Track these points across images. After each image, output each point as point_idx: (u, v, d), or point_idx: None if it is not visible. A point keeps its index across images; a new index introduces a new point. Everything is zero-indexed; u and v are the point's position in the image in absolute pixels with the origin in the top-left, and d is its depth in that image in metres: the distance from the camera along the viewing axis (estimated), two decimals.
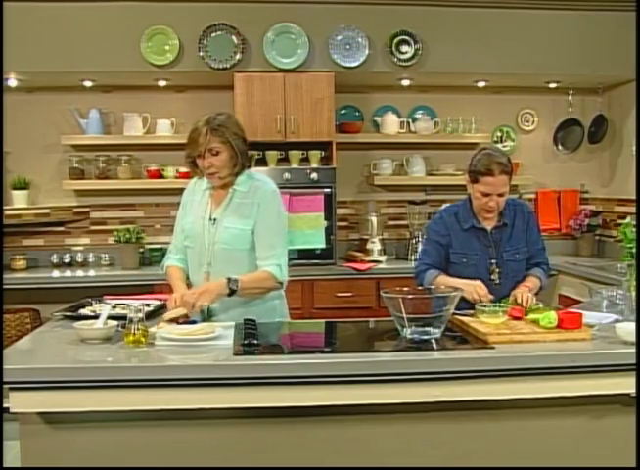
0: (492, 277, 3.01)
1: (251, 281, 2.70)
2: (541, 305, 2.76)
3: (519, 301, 2.78)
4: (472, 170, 3.00)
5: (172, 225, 2.98)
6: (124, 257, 4.64)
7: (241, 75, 4.48)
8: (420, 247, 4.73)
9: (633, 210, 4.64)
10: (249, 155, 2.82)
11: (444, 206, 3.36)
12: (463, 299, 2.61)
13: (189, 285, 2.85)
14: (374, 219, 4.88)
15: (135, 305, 2.32)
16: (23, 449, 2.17)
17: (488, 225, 3.05)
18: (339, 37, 4.51)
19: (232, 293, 2.64)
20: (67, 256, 4.79)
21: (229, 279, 2.63)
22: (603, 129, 5.11)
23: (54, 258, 4.76)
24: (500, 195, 2.95)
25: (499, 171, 2.91)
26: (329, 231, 4.55)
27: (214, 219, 2.77)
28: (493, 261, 3.02)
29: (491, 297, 2.81)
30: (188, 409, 2.13)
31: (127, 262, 4.62)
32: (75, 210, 4.89)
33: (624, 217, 3.59)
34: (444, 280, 2.94)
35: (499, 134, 5.21)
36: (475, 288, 2.82)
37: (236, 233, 2.75)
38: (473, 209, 3.07)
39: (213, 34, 4.41)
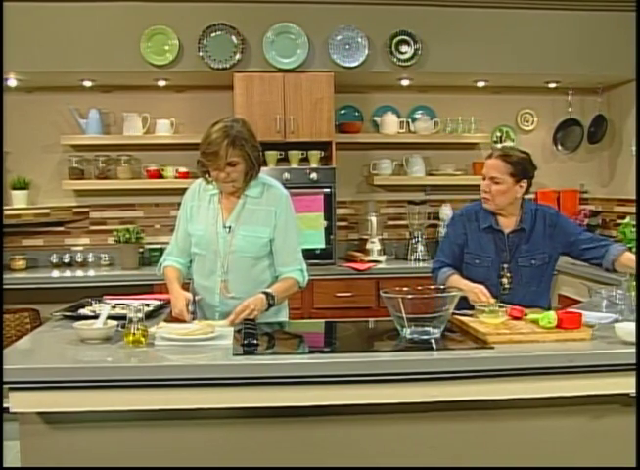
0: (502, 281, 2.96)
1: (281, 292, 2.74)
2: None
3: None
4: None
5: (172, 225, 2.97)
6: (124, 257, 4.64)
7: (240, 75, 4.48)
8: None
9: (633, 210, 4.64)
10: (261, 160, 2.80)
11: (466, 205, 3.25)
12: (463, 299, 2.61)
13: (185, 288, 2.82)
14: (373, 219, 4.88)
15: (135, 305, 2.33)
16: (23, 449, 2.17)
17: (506, 228, 3.00)
18: (338, 37, 4.51)
19: (269, 307, 2.67)
20: (66, 256, 4.79)
21: (266, 294, 2.65)
22: (602, 129, 5.11)
23: (53, 258, 4.76)
24: (494, 181, 2.92)
25: (496, 155, 2.96)
26: (328, 231, 4.55)
27: (229, 227, 2.75)
28: (505, 266, 2.96)
29: (493, 300, 2.68)
30: (187, 409, 2.13)
31: (127, 262, 4.62)
32: (75, 210, 4.89)
33: (624, 217, 3.59)
34: (455, 280, 2.90)
35: (499, 134, 5.20)
36: (477, 295, 2.75)
37: (253, 241, 2.76)
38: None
39: (213, 34, 4.41)
